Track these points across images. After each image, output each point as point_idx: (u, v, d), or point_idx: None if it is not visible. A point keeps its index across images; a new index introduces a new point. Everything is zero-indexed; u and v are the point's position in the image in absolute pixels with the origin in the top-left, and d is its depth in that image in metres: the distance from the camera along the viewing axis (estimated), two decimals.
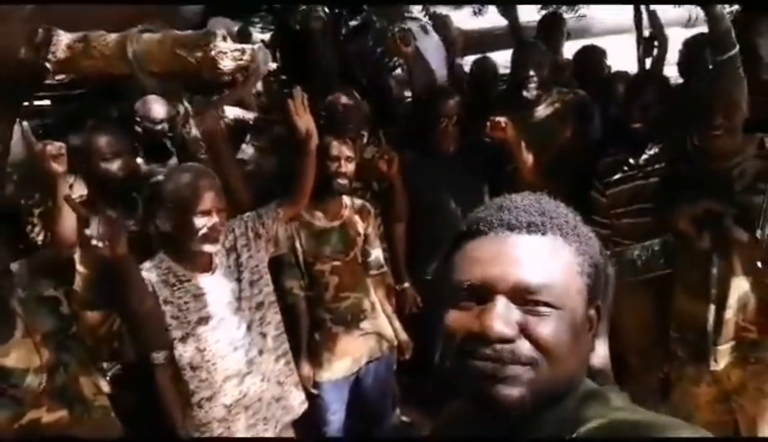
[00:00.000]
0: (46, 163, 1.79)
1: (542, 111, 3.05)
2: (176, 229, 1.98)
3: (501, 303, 0.73)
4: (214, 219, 1.95)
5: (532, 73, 2.96)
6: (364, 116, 3.04)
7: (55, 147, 1.80)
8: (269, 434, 2.14)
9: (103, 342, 1.72)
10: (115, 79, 2.14)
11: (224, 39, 1.59)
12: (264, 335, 2.15)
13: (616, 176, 2.59)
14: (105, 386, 1.74)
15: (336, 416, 2.60)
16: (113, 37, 1.72)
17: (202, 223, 1.93)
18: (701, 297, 2.11)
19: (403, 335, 2.78)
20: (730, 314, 2.07)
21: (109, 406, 1.72)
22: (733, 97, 2.04)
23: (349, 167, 2.51)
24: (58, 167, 1.82)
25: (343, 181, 2.50)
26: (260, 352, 2.12)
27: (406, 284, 3.01)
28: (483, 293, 0.75)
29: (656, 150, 2.56)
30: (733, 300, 2.06)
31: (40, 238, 2.24)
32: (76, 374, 1.61)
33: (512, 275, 0.74)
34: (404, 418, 3.34)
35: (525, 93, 2.99)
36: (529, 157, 2.76)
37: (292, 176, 2.30)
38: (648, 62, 3.82)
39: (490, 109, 2.95)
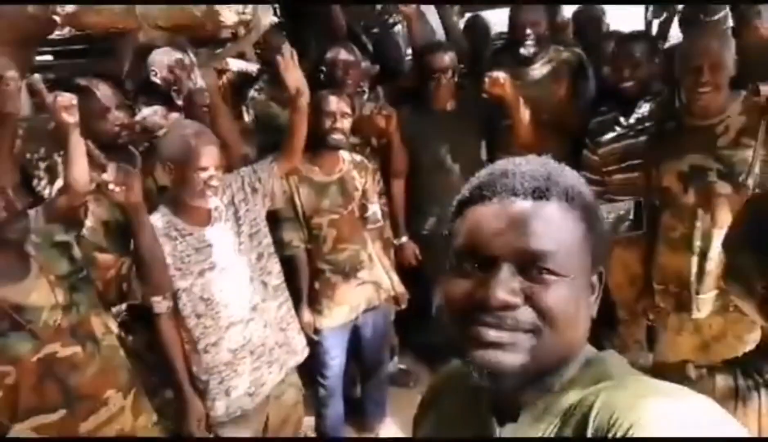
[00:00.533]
0: (58, 114, 1.85)
1: (539, 69, 3.08)
2: (175, 184, 2.06)
3: (504, 271, 0.72)
4: (212, 174, 2.02)
5: (529, 31, 2.98)
6: (364, 72, 3.08)
7: (66, 98, 1.85)
8: (274, 377, 2.25)
9: (112, 285, 1.80)
10: (117, 36, 2.17)
11: None
12: (265, 284, 2.24)
13: (607, 135, 2.64)
14: (114, 327, 1.83)
15: (335, 361, 2.72)
16: None
17: (200, 179, 2.00)
18: (684, 250, 2.20)
19: (400, 287, 2.88)
20: (711, 265, 2.16)
21: (117, 345, 1.81)
22: (718, 56, 2.09)
23: (345, 123, 2.56)
24: (69, 118, 1.88)
25: (338, 136, 2.54)
26: (262, 300, 2.22)
27: (405, 239, 3.10)
28: (486, 261, 0.74)
29: (646, 108, 2.60)
30: (714, 252, 2.14)
31: (47, 191, 2.30)
32: (87, 313, 1.70)
33: (516, 242, 0.72)
34: (401, 366, 3.48)
35: (522, 50, 3.01)
36: (525, 114, 2.82)
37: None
38: (655, 24, 3.79)
39: (486, 67, 2.99)
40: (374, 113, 2.89)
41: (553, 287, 0.72)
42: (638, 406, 0.66)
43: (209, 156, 2.02)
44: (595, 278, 0.79)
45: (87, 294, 1.72)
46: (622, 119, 2.63)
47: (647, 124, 2.57)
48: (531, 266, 0.72)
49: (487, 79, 2.73)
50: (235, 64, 2.45)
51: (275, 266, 2.32)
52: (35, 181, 2.33)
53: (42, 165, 2.34)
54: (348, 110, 2.58)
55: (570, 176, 0.79)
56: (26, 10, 1.60)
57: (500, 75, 2.70)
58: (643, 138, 2.55)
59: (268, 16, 1.63)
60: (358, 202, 2.70)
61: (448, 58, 2.98)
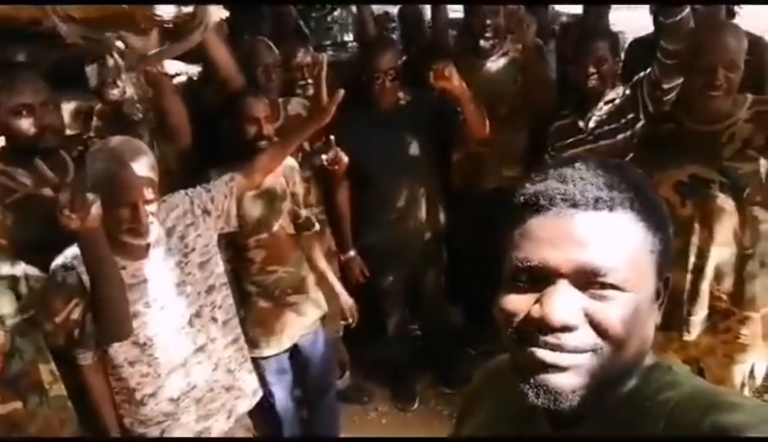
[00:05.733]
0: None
1: (496, 61, 2.92)
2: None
3: (563, 287, 0.67)
4: (141, 212, 1.64)
5: (489, 21, 2.81)
6: (312, 64, 2.73)
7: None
8: (221, 425, 1.95)
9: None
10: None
11: None
12: (214, 320, 1.92)
13: (567, 141, 2.46)
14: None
15: (279, 385, 2.46)
16: None
17: (126, 216, 1.63)
18: (679, 267, 1.98)
19: (348, 302, 2.63)
20: (706, 284, 1.99)
21: (66, 395, 1.57)
22: (735, 55, 1.86)
23: (270, 129, 2.26)
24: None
25: (264, 144, 2.22)
26: (210, 339, 1.90)
27: (352, 253, 2.86)
28: (543, 276, 0.69)
29: (605, 111, 2.41)
30: (710, 270, 1.98)
31: None
32: (33, 361, 1.47)
33: (576, 257, 0.67)
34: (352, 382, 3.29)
35: (482, 43, 2.85)
36: (477, 108, 2.58)
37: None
38: None
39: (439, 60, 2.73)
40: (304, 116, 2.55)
41: (615, 303, 0.67)
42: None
43: (139, 190, 1.62)
44: (660, 285, 0.74)
45: (33, 339, 1.49)
46: (581, 123, 2.45)
47: (606, 128, 2.39)
48: (592, 281, 0.67)
49: (431, 72, 2.48)
50: (172, 67, 2.08)
51: (227, 300, 1.98)
52: None
53: None
54: (269, 113, 2.29)
55: (636, 181, 0.73)
56: None
57: (444, 66, 2.45)
58: (603, 142, 2.38)
59: (217, 10, 1.30)
60: (290, 210, 2.41)
61: (390, 55, 2.70)
